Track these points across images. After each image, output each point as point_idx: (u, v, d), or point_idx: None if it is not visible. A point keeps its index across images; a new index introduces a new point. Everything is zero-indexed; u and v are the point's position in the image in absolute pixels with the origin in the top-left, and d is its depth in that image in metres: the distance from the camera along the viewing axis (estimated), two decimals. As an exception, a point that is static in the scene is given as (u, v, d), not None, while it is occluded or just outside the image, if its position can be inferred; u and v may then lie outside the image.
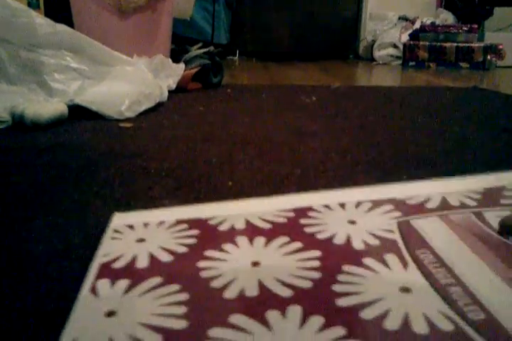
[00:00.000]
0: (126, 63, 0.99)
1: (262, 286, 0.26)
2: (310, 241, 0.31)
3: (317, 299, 0.24)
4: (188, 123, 0.84)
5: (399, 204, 0.36)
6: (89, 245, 0.34)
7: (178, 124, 0.83)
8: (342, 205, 0.36)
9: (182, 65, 1.20)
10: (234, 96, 1.22)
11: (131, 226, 0.36)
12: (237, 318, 0.23)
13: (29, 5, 1.72)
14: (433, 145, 0.69)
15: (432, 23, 2.68)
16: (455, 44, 2.50)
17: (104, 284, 0.28)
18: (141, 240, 0.33)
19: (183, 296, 0.26)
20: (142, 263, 0.30)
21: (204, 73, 1.32)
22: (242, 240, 0.32)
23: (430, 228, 0.31)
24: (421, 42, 2.53)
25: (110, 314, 0.25)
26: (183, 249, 0.31)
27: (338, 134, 0.76)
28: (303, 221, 0.34)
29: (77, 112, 0.85)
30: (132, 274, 0.28)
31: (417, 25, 2.69)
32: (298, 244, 0.31)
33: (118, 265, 0.30)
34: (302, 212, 0.36)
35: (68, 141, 0.70)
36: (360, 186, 0.41)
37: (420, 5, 2.99)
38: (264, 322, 0.23)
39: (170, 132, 0.76)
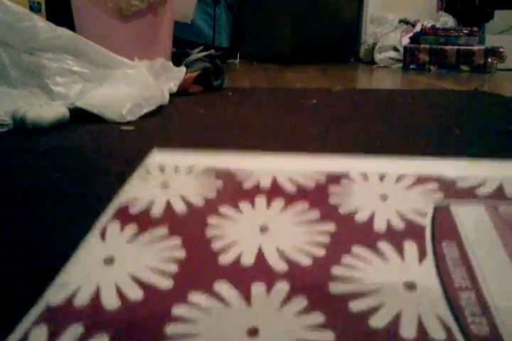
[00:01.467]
0: (127, 66, 0.99)
1: (260, 255, 0.25)
2: (330, 213, 0.28)
3: (310, 280, 0.23)
4: (189, 126, 0.84)
5: (446, 184, 0.31)
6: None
7: (179, 127, 0.84)
8: (382, 176, 0.33)
9: (183, 68, 1.21)
10: (235, 100, 1.22)
11: (162, 168, 0.35)
12: (221, 286, 0.23)
13: (31, 9, 1.72)
14: (435, 148, 0.69)
15: (433, 26, 2.69)
16: (456, 47, 2.50)
17: (114, 228, 0.28)
18: (166, 186, 0.33)
19: (180, 253, 0.25)
20: (157, 210, 0.30)
21: (205, 76, 1.33)
22: (260, 200, 0.30)
23: (470, 218, 0.27)
24: (421, 45, 2.54)
25: (108, 261, 0.25)
26: (200, 202, 0.30)
27: (339, 137, 0.76)
28: (332, 188, 0.31)
29: (79, 115, 0.85)
30: (143, 220, 0.28)
31: (418, 28, 2.69)
32: (316, 214, 0.28)
33: (134, 209, 0.30)
34: (335, 177, 0.32)
35: (69, 144, 0.70)
36: (412, 156, 0.36)
37: (421, 8, 3.00)
38: (247, 296, 0.22)
39: (171, 135, 0.76)
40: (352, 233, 0.27)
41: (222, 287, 0.23)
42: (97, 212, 0.31)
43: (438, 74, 2.31)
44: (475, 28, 2.57)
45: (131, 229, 0.28)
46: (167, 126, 0.84)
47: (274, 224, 0.28)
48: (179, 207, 0.30)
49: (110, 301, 0.23)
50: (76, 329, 0.21)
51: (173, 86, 1.14)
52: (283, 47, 3.07)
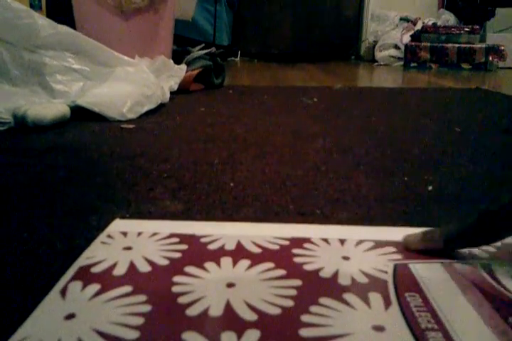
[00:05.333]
0: (127, 64, 0.99)
1: (228, 307, 0.26)
2: (295, 271, 0.30)
3: (280, 326, 0.24)
4: (190, 124, 0.84)
5: (403, 248, 0.34)
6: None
7: (179, 125, 0.83)
8: (342, 241, 0.35)
9: (184, 66, 1.21)
10: (235, 97, 1.22)
11: (124, 234, 0.36)
12: (189, 336, 0.23)
13: (31, 6, 1.72)
14: (435, 146, 0.69)
15: (434, 24, 2.68)
16: (457, 45, 2.50)
17: (75, 286, 0.28)
18: (128, 248, 0.33)
19: (146, 308, 0.26)
20: (120, 270, 0.30)
21: (206, 74, 1.32)
22: (226, 261, 0.31)
23: (428, 273, 0.30)
24: (422, 43, 2.53)
25: (69, 317, 0.25)
26: (165, 262, 0.31)
27: (340, 135, 0.76)
28: (295, 251, 0.33)
29: (79, 113, 0.85)
30: (106, 280, 0.29)
31: (419, 26, 2.69)
32: (281, 272, 0.30)
33: (96, 269, 0.30)
34: (298, 242, 0.35)
35: (70, 142, 0.70)
36: (367, 225, 0.39)
37: (422, 6, 2.99)
38: None
39: (172, 133, 0.76)
40: (318, 287, 0.28)
41: (190, 336, 0.23)
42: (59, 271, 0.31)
43: (439, 72, 2.31)
44: (476, 26, 2.57)
45: (93, 287, 0.28)
46: (167, 124, 0.84)
47: (241, 281, 0.29)
48: (143, 267, 0.30)
49: None
50: None
51: (174, 84, 1.14)
52: (283, 45, 3.07)
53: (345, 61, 2.97)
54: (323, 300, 0.27)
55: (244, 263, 0.31)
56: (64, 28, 0.91)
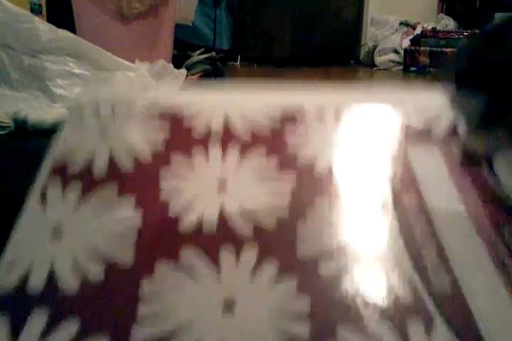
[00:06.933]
0: (127, 68, 0.99)
1: (221, 218, 0.23)
2: (288, 162, 0.26)
3: (277, 242, 0.22)
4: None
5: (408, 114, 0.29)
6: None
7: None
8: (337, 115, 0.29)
9: (184, 71, 1.21)
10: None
11: (97, 112, 0.30)
12: (188, 254, 0.21)
13: (32, 10, 1.72)
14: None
15: (433, 29, 2.69)
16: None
17: (55, 190, 0.24)
18: (104, 133, 0.28)
19: (137, 219, 0.22)
20: (99, 164, 0.25)
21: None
22: (214, 152, 0.26)
23: (426, 167, 0.26)
24: (422, 48, 2.54)
25: (56, 232, 0.22)
26: (147, 153, 0.26)
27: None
28: (288, 127, 0.28)
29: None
30: (86, 178, 0.25)
31: (418, 31, 2.69)
32: (274, 161, 0.26)
33: (74, 167, 0.26)
34: (291, 116, 0.29)
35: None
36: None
37: (421, 10, 3.00)
38: (216, 263, 0.21)
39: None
40: (312, 182, 0.25)
41: (189, 255, 0.21)
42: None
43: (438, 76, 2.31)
44: (475, 31, 2.58)
45: (75, 188, 0.24)
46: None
47: (232, 182, 0.25)
48: (126, 163, 0.26)
49: (70, 283, 0.20)
50: (40, 318, 0.19)
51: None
52: (283, 49, 3.07)
53: (344, 65, 2.98)
54: (317, 200, 0.24)
55: (234, 154, 0.26)
56: (64, 33, 0.91)
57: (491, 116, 0.21)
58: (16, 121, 0.77)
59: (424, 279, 0.20)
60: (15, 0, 0.90)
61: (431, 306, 0.19)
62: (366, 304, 0.19)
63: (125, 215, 0.23)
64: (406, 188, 0.25)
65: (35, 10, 1.78)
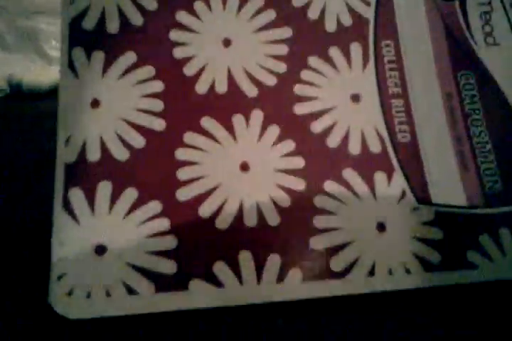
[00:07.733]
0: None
1: (231, 79, 0.23)
2: (283, 13, 0.25)
3: (277, 103, 0.23)
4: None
5: None
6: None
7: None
8: None
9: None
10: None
11: None
12: (206, 121, 0.22)
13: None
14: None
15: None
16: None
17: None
18: None
19: (158, 85, 0.23)
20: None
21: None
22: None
23: (410, 22, 0.25)
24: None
25: (94, 104, 0.24)
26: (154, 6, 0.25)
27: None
28: None
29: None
30: (108, 42, 0.24)
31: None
32: (272, 14, 0.25)
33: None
34: None
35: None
36: None
37: None
38: (230, 130, 0.22)
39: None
40: (308, 39, 0.25)
41: (208, 122, 0.22)
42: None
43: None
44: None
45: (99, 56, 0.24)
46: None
47: (236, 35, 0.24)
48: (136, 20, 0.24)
49: (119, 152, 0.23)
50: (105, 186, 0.22)
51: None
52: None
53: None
54: (312, 59, 0.24)
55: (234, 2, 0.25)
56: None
57: None
58: (10, 84, 0.75)
59: (390, 131, 0.22)
60: (7, -42, 0.87)
61: (392, 154, 0.22)
62: (346, 156, 0.22)
63: (148, 81, 0.24)
64: (386, 36, 0.25)
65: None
